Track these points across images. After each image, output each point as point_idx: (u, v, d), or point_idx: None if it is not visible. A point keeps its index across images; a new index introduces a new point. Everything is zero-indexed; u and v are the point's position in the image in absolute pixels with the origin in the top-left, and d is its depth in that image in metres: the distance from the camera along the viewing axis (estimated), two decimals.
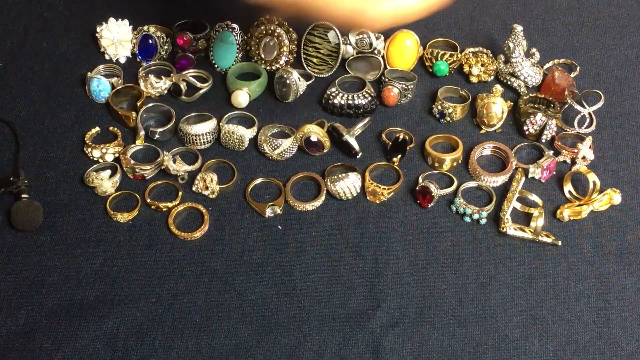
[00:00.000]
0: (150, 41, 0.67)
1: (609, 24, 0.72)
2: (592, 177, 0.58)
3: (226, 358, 0.50)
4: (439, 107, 0.64)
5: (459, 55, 0.67)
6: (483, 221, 0.57)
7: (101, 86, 0.64)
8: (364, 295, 0.53)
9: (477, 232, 0.57)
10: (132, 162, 0.59)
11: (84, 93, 0.66)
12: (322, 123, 0.62)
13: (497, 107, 0.62)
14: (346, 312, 0.52)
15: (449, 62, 0.67)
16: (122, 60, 0.68)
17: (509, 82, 0.66)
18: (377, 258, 0.55)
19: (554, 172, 0.60)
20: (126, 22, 0.68)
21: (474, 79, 0.67)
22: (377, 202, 0.59)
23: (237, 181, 0.60)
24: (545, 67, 0.68)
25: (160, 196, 0.59)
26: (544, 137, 0.62)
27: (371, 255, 0.55)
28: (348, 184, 0.58)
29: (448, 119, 0.64)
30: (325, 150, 0.61)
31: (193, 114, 0.63)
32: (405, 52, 0.67)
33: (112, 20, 0.68)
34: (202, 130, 0.61)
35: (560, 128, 0.63)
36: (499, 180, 0.59)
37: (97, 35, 0.68)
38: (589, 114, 0.63)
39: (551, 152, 0.61)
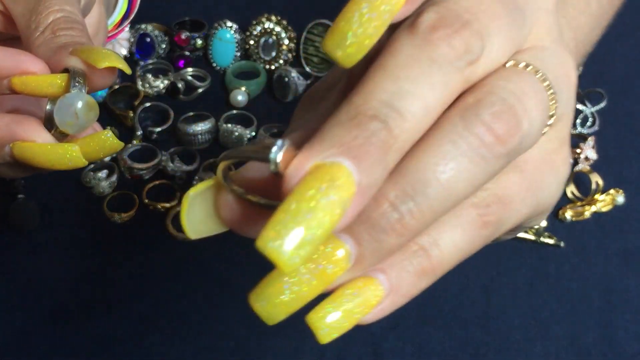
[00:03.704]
0: (147, 40, 0.67)
1: (612, 23, 0.72)
2: (595, 178, 0.57)
3: None
4: None
5: None
6: None
7: None
8: None
9: None
10: (130, 161, 0.59)
11: None
12: None
13: None
14: None
15: None
16: None
17: None
18: None
19: None
20: None
21: None
22: None
23: None
24: None
25: (158, 196, 0.58)
26: None
27: None
28: None
29: None
30: None
31: (191, 113, 0.63)
32: None
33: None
34: (200, 129, 0.61)
35: None
36: None
37: None
38: (592, 113, 0.63)
39: None
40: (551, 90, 0.27)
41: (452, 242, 0.27)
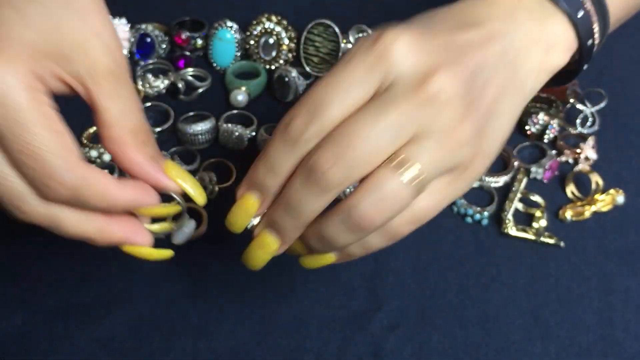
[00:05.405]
0: (147, 39, 0.67)
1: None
2: (595, 177, 0.57)
3: None
4: None
5: None
6: (485, 222, 0.56)
7: None
8: (364, 297, 0.53)
9: (479, 233, 0.56)
10: None
11: None
12: None
13: None
14: (346, 313, 0.52)
15: None
16: None
17: None
18: (378, 259, 0.54)
19: (557, 172, 0.60)
20: (124, 20, 0.67)
21: None
22: None
23: (236, 181, 0.59)
24: None
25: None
26: (546, 136, 0.62)
27: (371, 256, 0.54)
28: None
29: None
30: None
31: (191, 113, 0.63)
32: None
33: (109, 18, 0.67)
34: (200, 129, 0.60)
35: (563, 128, 0.63)
36: (500, 180, 0.59)
37: None
38: (592, 113, 0.63)
39: (553, 152, 0.60)
40: None
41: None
